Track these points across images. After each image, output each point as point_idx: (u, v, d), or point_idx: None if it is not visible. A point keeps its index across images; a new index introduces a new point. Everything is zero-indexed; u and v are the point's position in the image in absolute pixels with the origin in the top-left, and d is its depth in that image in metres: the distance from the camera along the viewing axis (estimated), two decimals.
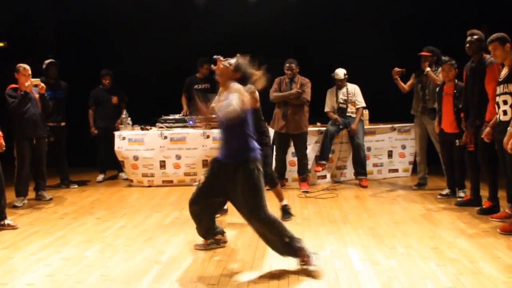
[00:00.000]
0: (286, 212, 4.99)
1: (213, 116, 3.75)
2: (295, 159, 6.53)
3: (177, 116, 7.11)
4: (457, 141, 5.35)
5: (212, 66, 3.78)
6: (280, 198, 5.02)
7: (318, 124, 7.14)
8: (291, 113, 6.18)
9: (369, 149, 7.03)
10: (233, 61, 3.68)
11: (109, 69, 7.46)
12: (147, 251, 4.05)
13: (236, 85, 3.55)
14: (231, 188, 3.61)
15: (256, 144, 3.64)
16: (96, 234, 4.61)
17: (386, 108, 7.59)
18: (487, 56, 4.83)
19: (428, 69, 5.90)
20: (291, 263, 3.65)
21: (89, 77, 7.57)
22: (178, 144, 6.76)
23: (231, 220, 4.97)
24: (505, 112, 4.32)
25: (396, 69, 6.15)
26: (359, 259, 3.73)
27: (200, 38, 7.73)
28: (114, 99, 7.45)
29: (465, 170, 5.48)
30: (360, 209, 5.37)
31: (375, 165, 7.14)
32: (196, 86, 7.39)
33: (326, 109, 6.92)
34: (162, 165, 6.82)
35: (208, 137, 6.70)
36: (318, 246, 4.09)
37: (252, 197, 3.50)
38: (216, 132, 6.62)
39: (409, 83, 6.30)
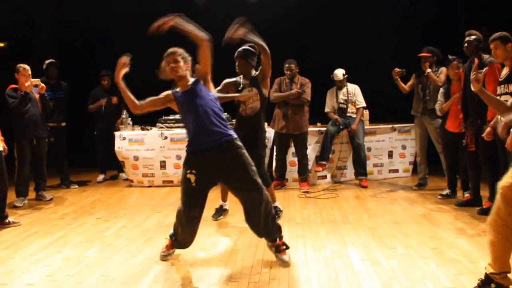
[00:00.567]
0: (276, 213, 4.98)
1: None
2: (296, 159, 6.54)
3: (177, 116, 7.10)
4: (463, 141, 5.30)
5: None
6: (272, 199, 4.98)
7: (319, 124, 7.14)
8: (291, 113, 6.18)
9: (369, 149, 7.03)
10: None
11: (108, 69, 7.46)
12: (147, 251, 4.05)
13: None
14: (221, 171, 3.59)
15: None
16: (96, 234, 4.61)
17: (387, 108, 7.59)
18: (486, 56, 4.84)
19: (428, 70, 5.89)
20: (292, 264, 3.66)
21: (89, 77, 7.57)
22: (178, 144, 6.76)
23: (232, 221, 4.97)
24: None
25: (396, 69, 6.14)
26: (359, 259, 3.73)
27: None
28: (114, 100, 7.45)
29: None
30: (360, 209, 5.37)
31: (375, 165, 7.14)
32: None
33: (326, 109, 6.92)
34: (163, 165, 6.83)
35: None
36: (318, 246, 4.09)
37: (251, 169, 3.57)
38: None
39: (409, 83, 6.30)
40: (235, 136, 3.66)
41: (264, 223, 3.63)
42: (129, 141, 6.80)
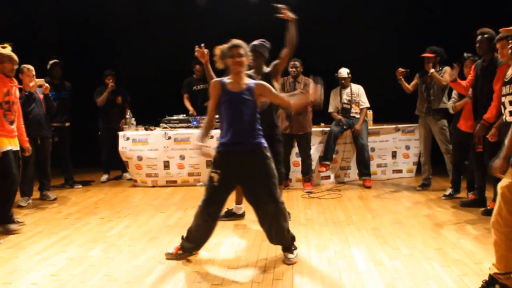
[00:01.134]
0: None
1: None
2: (299, 159, 6.53)
3: (181, 117, 7.12)
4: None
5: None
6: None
7: (322, 124, 7.13)
8: (295, 113, 6.18)
9: (373, 149, 7.03)
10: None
11: (112, 69, 7.48)
12: (151, 251, 4.06)
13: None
14: (243, 175, 3.67)
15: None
16: (100, 234, 4.62)
17: (390, 108, 7.58)
18: (499, 56, 4.73)
19: (432, 70, 5.86)
20: (295, 264, 3.66)
21: (93, 77, 7.58)
22: (182, 144, 6.78)
23: (235, 221, 4.97)
24: (511, 113, 4.28)
25: (400, 69, 6.12)
26: (363, 260, 3.72)
27: (203, 38, 7.72)
28: (118, 99, 7.47)
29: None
30: (364, 209, 5.37)
31: (379, 165, 7.13)
32: (194, 88, 7.42)
33: (330, 109, 6.92)
34: (166, 165, 6.84)
35: (212, 137, 6.69)
36: (321, 246, 4.09)
37: (273, 182, 3.63)
38: (219, 133, 6.63)
39: (413, 83, 6.28)
40: (266, 145, 3.72)
41: (275, 234, 3.72)
42: (132, 141, 6.81)
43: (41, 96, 5.92)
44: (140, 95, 7.92)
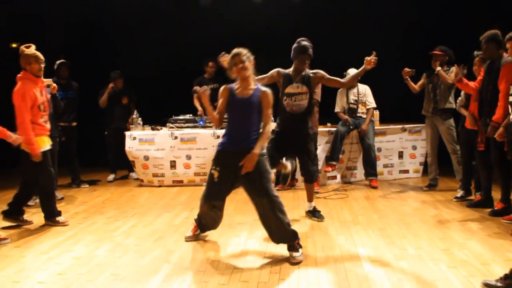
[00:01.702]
0: (313, 214, 5.08)
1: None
2: None
3: (187, 116, 7.13)
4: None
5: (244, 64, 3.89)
6: (310, 198, 5.10)
7: (329, 124, 7.12)
8: None
9: (379, 149, 7.01)
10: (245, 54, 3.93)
11: (119, 70, 7.49)
12: (157, 251, 4.07)
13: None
14: (240, 173, 3.85)
15: None
16: (106, 233, 4.64)
17: (397, 108, 7.56)
18: (506, 54, 4.71)
19: (439, 68, 5.82)
20: (301, 264, 3.66)
21: (100, 77, 7.60)
22: (188, 144, 6.79)
23: (242, 221, 4.97)
24: None
25: (406, 69, 6.09)
26: (369, 260, 3.72)
27: (208, 38, 7.78)
28: (124, 100, 7.50)
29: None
30: (370, 210, 5.35)
31: (385, 166, 7.11)
32: (204, 87, 7.41)
33: (337, 109, 6.91)
34: (173, 165, 6.85)
35: (218, 137, 6.71)
36: (328, 247, 4.08)
37: (266, 178, 3.85)
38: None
39: (419, 83, 6.24)
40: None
41: (275, 229, 3.84)
42: (139, 141, 6.83)
43: (49, 96, 5.95)
44: (146, 95, 7.94)
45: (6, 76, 7.43)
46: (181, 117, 7.09)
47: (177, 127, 6.97)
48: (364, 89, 6.82)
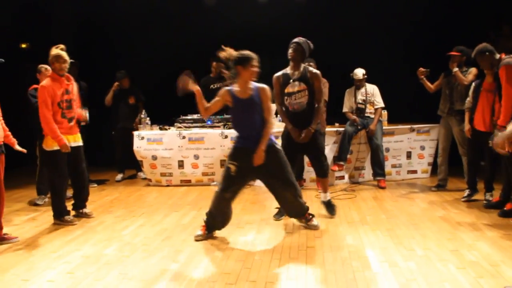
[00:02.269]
0: (330, 206, 5.17)
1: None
2: None
3: (195, 116, 7.14)
4: (490, 141, 5.15)
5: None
6: (324, 189, 5.16)
7: (337, 124, 7.10)
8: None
9: (387, 150, 6.98)
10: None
11: (125, 70, 7.52)
12: (165, 250, 4.08)
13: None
14: (260, 169, 4.19)
15: None
16: (115, 232, 4.66)
17: (405, 108, 7.52)
18: (504, 56, 4.72)
19: (456, 69, 5.75)
20: (309, 264, 3.66)
21: (108, 77, 7.63)
22: (196, 144, 6.80)
23: (250, 220, 4.98)
24: None
25: (421, 69, 6.04)
26: (377, 261, 3.71)
27: (215, 38, 7.76)
28: (131, 100, 7.53)
29: (495, 172, 5.36)
30: (378, 210, 5.34)
31: (393, 166, 7.08)
32: (211, 86, 7.44)
33: (345, 109, 6.89)
34: (180, 164, 6.87)
35: (226, 137, 6.72)
36: (336, 247, 4.08)
37: (288, 171, 4.29)
38: (233, 133, 6.65)
39: (436, 82, 6.15)
40: (275, 142, 4.30)
41: (295, 212, 4.55)
42: (147, 140, 6.86)
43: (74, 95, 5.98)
44: (155, 95, 7.96)
45: (16, 75, 7.54)
46: (189, 117, 7.10)
47: (185, 127, 6.99)
48: (372, 89, 6.80)
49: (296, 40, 4.84)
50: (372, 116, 6.73)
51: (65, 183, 5.13)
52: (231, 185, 4.20)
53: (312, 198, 5.97)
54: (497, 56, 4.89)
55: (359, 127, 6.69)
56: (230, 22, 7.82)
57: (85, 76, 7.19)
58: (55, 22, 8.50)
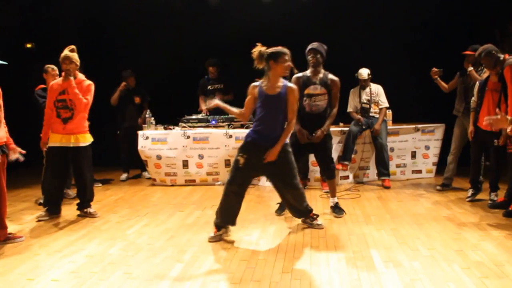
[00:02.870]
0: (336, 208, 5.17)
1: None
2: None
3: (200, 116, 7.15)
4: (495, 141, 5.14)
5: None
6: (332, 193, 5.20)
7: (341, 124, 7.09)
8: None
9: (392, 149, 6.96)
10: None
11: (131, 69, 7.54)
12: (169, 250, 4.09)
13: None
14: (267, 167, 4.22)
15: None
16: (119, 232, 4.67)
17: (410, 108, 7.50)
18: (508, 57, 4.72)
19: (470, 68, 5.72)
20: (313, 264, 3.66)
21: (112, 77, 7.65)
22: (201, 143, 6.81)
23: (253, 220, 4.98)
24: None
25: (434, 69, 6.02)
26: (381, 261, 3.70)
27: (220, 37, 7.81)
28: (137, 99, 7.55)
29: (500, 172, 5.34)
30: (383, 210, 5.33)
31: (398, 165, 7.07)
32: (209, 87, 7.46)
33: (349, 109, 6.87)
34: (185, 164, 6.88)
35: (230, 136, 6.72)
36: (340, 247, 4.07)
37: (293, 174, 4.31)
38: (238, 132, 6.66)
39: (451, 82, 6.12)
40: (287, 141, 4.29)
41: (298, 211, 4.56)
42: (152, 140, 6.87)
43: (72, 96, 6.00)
44: (159, 95, 7.98)
45: (22, 75, 7.57)
46: (193, 117, 7.11)
47: (190, 126, 7.00)
48: (377, 89, 6.78)
49: (312, 46, 4.99)
50: (377, 116, 6.72)
51: (55, 181, 5.22)
52: (237, 178, 4.20)
53: (316, 198, 5.96)
54: (502, 56, 4.88)
55: (363, 127, 6.67)
56: (234, 21, 7.82)
57: (90, 76, 7.21)
58: (60, 22, 8.54)
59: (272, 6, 7.94)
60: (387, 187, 6.46)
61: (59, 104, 5.03)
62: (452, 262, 3.61)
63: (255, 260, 3.81)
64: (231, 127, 6.79)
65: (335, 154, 6.66)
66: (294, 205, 4.49)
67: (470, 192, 5.62)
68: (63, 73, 5.08)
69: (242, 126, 6.84)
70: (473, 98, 5.50)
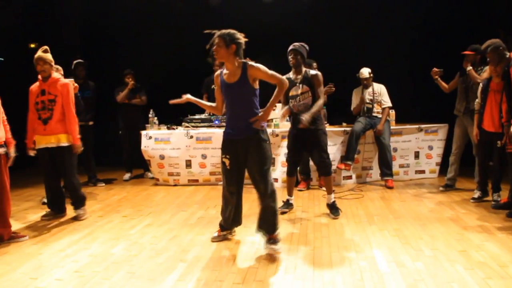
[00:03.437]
0: (334, 208, 5.15)
1: None
2: None
3: (203, 116, 7.15)
4: (498, 142, 5.12)
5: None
6: (329, 190, 5.17)
7: (344, 124, 7.09)
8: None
9: (395, 149, 6.95)
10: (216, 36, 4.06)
11: (132, 69, 7.54)
12: (172, 250, 4.09)
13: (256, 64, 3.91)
14: (245, 158, 4.00)
15: None
16: (122, 231, 4.68)
17: (413, 108, 7.49)
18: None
19: (469, 68, 5.71)
20: (316, 264, 3.65)
21: (115, 77, 7.65)
22: (203, 143, 6.81)
23: (256, 220, 4.96)
24: None
25: (435, 69, 6.01)
26: (384, 261, 3.70)
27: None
28: (137, 98, 7.55)
29: (503, 173, 5.33)
30: (386, 210, 5.32)
31: (401, 166, 7.06)
32: (212, 86, 7.46)
33: (353, 106, 6.87)
34: (188, 164, 6.88)
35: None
36: (343, 247, 4.07)
37: (265, 163, 3.93)
38: None
39: (451, 82, 6.10)
40: (264, 131, 4.00)
41: (262, 214, 4.04)
42: (155, 140, 6.88)
43: (47, 97, 5.99)
44: (162, 94, 7.97)
45: (25, 75, 7.57)
46: (196, 117, 7.11)
47: (193, 126, 7.00)
48: (380, 88, 6.76)
49: (292, 47, 4.99)
50: (380, 115, 6.71)
51: (51, 182, 5.25)
52: (231, 179, 4.11)
53: (319, 198, 5.96)
54: (508, 54, 4.87)
55: (366, 127, 6.66)
56: (234, 21, 7.78)
57: (92, 76, 7.23)
58: (63, 22, 8.56)
59: (272, 6, 7.94)
60: (390, 187, 6.45)
61: (39, 106, 5.01)
62: (456, 263, 3.60)
63: (257, 260, 3.81)
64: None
65: (338, 154, 6.68)
66: (263, 210, 4.04)
67: (477, 194, 5.58)
68: (39, 75, 5.05)
69: None
70: (476, 100, 5.48)
